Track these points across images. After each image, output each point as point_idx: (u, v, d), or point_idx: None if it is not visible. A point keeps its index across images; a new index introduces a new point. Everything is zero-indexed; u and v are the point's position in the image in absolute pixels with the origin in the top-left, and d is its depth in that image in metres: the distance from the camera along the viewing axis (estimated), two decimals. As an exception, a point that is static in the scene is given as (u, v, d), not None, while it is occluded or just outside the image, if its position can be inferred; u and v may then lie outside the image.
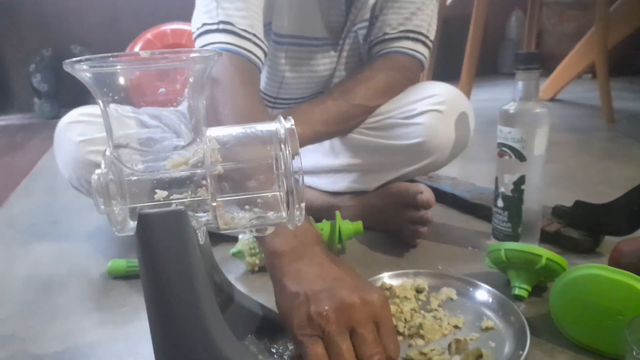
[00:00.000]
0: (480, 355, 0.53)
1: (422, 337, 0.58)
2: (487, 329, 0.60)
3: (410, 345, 0.58)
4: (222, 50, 0.74)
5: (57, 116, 0.88)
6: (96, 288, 0.79)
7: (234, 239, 0.83)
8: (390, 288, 0.67)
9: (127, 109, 0.41)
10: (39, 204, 1.22)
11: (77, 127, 0.85)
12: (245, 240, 0.79)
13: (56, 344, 0.64)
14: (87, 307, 0.74)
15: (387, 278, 0.69)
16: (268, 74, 0.92)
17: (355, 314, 0.48)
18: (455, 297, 0.67)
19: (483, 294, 0.67)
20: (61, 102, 2.48)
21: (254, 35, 0.77)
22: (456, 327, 0.61)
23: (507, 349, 0.56)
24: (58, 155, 0.90)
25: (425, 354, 0.54)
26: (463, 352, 0.54)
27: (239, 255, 0.79)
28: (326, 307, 0.47)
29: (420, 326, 0.60)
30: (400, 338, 0.59)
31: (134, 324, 0.68)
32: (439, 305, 0.65)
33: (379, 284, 0.69)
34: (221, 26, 0.75)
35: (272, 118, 0.75)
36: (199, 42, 0.78)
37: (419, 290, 0.68)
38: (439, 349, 0.55)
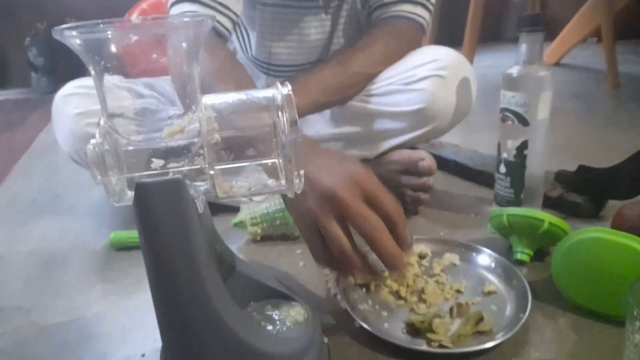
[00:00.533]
0: (481, 319, 0.53)
1: (424, 301, 0.59)
2: (489, 293, 0.60)
3: (412, 310, 0.58)
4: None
5: (54, 91, 0.87)
6: (99, 260, 0.79)
7: (235, 210, 0.83)
8: None
9: (121, 80, 0.40)
10: (39, 180, 1.22)
11: (74, 100, 0.85)
12: (247, 210, 0.79)
13: (62, 316, 0.65)
14: (91, 280, 0.74)
15: None
16: (257, 39, 0.90)
17: (338, 198, 0.49)
18: (458, 262, 0.67)
19: (486, 259, 0.67)
20: (58, 78, 2.44)
21: (220, 3, 0.77)
22: (458, 291, 0.61)
23: (509, 312, 0.56)
24: (56, 129, 0.90)
25: (425, 317, 0.54)
26: (464, 315, 0.54)
27: (240, 225, 0.79)
28: (309, 207, 0.50)
29: (423, 291, 0.60)
30: (401, 302, 0.59)
31: (137, 295, 0.68)
32: (441, 271, 0.65)
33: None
34: None
35: (244, 76, 0.76)
36: (171, 13, 0.78)
37: (421, 257, 0.68)
38: (439, 312, 0.56)
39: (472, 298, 0.60)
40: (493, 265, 0.65)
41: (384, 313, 0.58)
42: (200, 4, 0.76)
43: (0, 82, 2.58)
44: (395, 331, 0.55)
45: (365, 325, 0.54)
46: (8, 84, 2.60)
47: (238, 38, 0.97)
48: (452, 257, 0.68)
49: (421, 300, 0.59)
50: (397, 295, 0.60)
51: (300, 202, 0.51)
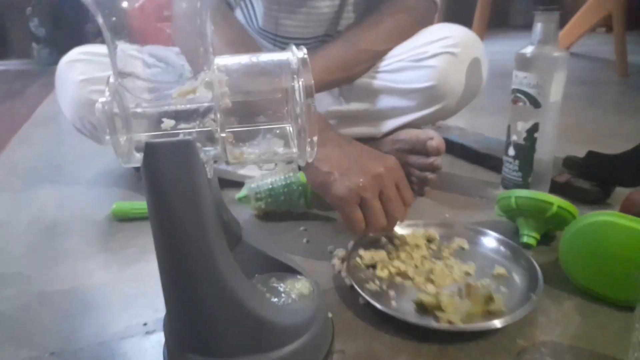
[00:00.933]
0: (491, 298, 0.53)
1: (433, 282, 0.58)
2: (498, 275, 0.60)
3: (420, 290, 0.57)
4: None
5: (56, 62, 0.85)
6: (101, 230, 0.79)
7: (239, 185, 0.82)
8: (401, 237, 0.66)
9: (132, 47, 0.39)
10: (41, 149, 1.21)
11: (78, 66, 0.83)
12: (251, 185, 0.78)
13: (63, 283, 0.64)
14: (92, 249, 0.73)
15: (397, 228, 0.68)
16: (264, 9, 0.88)
17: (383, 180, 0.59)
18: (466, 246, 0.66)
19: (494, 242, 0.66)
20: (60, 48, 2.41)
21: None
22: (467, 273, 0.60)
23: (519, 293, 0.56)
24: (60, 95, 0.88)
25: (435, 297, 0.53)
26: (474, 296, 0.54)
27: (245, 200, 0.79)
28: (361, 180, 0.58)
29: (431, 271, 0.59)
30: (409, 283, 0.58)
31: (139, 265, 0.68)
32: (450, 254, 0.64)
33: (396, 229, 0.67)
34: None
35: (256, 48, 0.76)
36: None
37: (429, 240, 0.67)
38: (449, 293, 0.55)
39: (481, 280, 0.59)
40: (502, 248, 0.64)
41: (391, 292, 0.57)
42: None
43: (1, 52, 2.55)
44: (403, 309, 0.54)
45: (371, 301, 0.53)
46: (9, 54, 2.57)
47: (242, 10, 0.95)
48: (460, 241, 0.67)
49: (429, 280, 0.58)
50: (405, 275, 0.60)
51: (340, 178, 0.60)
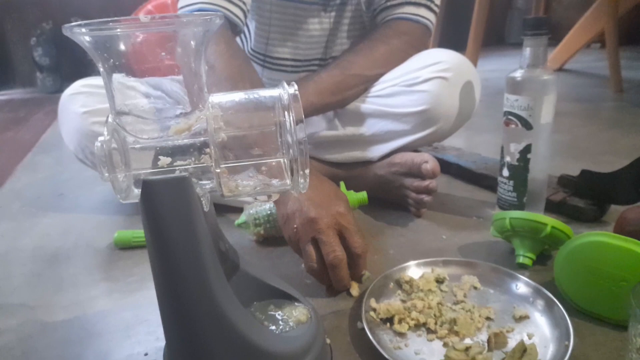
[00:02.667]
0: (525, 350, 0.49)
1: (457, 333, 0.55)
2: (520, 318, 0.57)
3: (445, 344, 0.53)
4: (200, 10, 0.76)
5: (60, 90, 0.88)
6: (103, 259, 0.80)
7: (238, 210, 0.83)
8: (409, 281, 0.63)
9: (128, 79, 0.40)
10: (44, 177, 1.23)
11: (80, 99, 0.85)
12: (250, 210, 0.79)
13: (65, 313, 0.65)
14: (94, 278, 0.74)
15: (406, 270, 0.66)
16: (255, 28, 0.91)
17: (317, 225, 0.61)
18: (479, 285, 0.63)
19: (506, 279, 0.63)
20: (63, 76, 2.46)
21: None
22: (488, 318, 0.57)
23: (550, 338, 0.53)
24: (62, 127, 0.90)
25: (466, 353, 0.50)
26: (504, 345, 0.52)
27: (243, 225, 0.80)
28: (295, 225, 0.63)
29: (454, 322, 0.55)
30: (432, 337, 0.55)
31: (141, 293, 0.69)
32: (464, 296, 0.61)
33: (403, 273, 0.65)
34: None
35: (258, 79, 0.78)
36: (179, 5, 0.79)
37: (439, 281, 0.65)
38: (478, 345, 0.51)
39: (505, 325, 0.56)
40: (516, 286, 0.61)
41: (417, 354, 0.52)
42: None
43: (6, 81, 2.59)
44: None
45: None
46: (14, 83, 2.62)
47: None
48: (471, 280, 0.64)
49: (453, 332, 0.55)
50: (426, 328, 0.56)
51: (288, 221, 0.65)
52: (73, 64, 2.27)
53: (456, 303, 0.60)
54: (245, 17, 0.81)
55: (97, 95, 0.85)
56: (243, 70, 0.76)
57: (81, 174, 1.16)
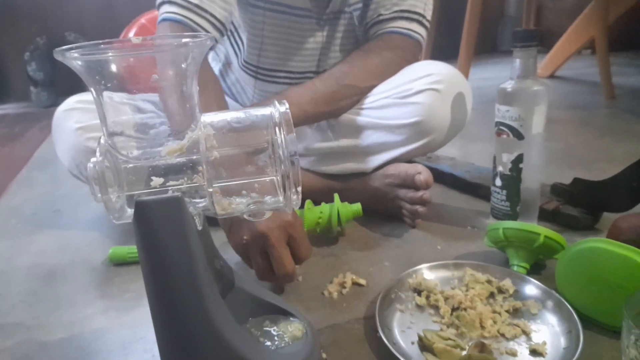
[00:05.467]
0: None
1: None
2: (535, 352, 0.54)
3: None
4: (165, 19, 0.77)
5: (54, 104, 0.88)
6: (99, 276, 0.80)
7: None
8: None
9: (121, 95, 0.41)
10: (39, 193, 1.22)
11: (74, 115, 0.86)
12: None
13: (62, 331, 0.65)
14: (91, 295, 0.74)
15: (425, 269, 0.68)
16: (248, 40, 0.91)
17: (268, 240, 0.63)
18: (536, 311, 0.60)
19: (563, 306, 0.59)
20: (58, 91, 2.46)
21: (196, 6, 0.78)
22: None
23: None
24: (57, 143, 0.90)
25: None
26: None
27: (239, 239, 0.80)
28: (244, 237, 0.64)
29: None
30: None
31: (137, 310, 0.68)
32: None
33: (417, 276, 0.66)
34: None
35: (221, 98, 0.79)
36: (159, 13, 0.80)
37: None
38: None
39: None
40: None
41: None
42: (178, 5, 0.77)
43: (0, 96, 2.59)
44: None
45: None
46: (8, 98, 2.62)
47: (232, 44, 0.97)
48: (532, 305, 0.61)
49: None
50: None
51: (234, 229, 0.67)
52: (67, 79, 2.25)
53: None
54: (219, 31, 0.81)
55: (92, 111, 0.85)
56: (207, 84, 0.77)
57: (76, 189, 1.16)
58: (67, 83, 2.38)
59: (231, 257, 0.80)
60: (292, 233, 0.65)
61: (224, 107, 0.80)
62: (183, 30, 0.77)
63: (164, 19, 0.78)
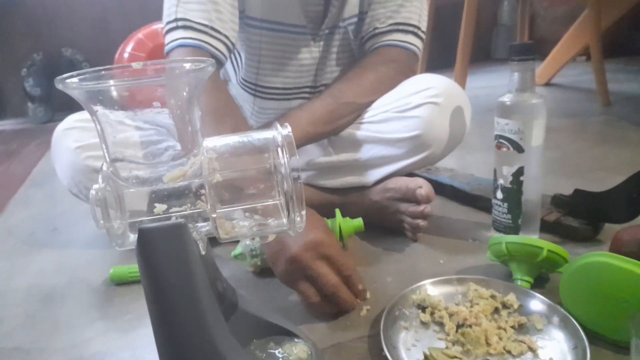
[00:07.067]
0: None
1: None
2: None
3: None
4: (181, 45, 0.77)
5: (51, 120, 0.88)
6: (99, 296, 0.79)
7: (234, 241, 0.83)
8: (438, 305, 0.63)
9: (120, 115, 0.40)
10: (37, 212, 1.22)
11: (73, 134, 0.85)
12: (246, 241, 0.79)
13: (61, 356, 0.64)
14: (91, 317, 0.73)
15: (429, 285, 0.67)
16: (246, 58, 0.92)
17: (301, 263, 0.62)
18: (541, 326, 0.60)
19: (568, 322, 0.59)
20: (55, 106, 2.46)
21: (211, 28, 0.78)
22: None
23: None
24: (56, 162, 0.90)
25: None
26: None
27: (240, 257, 0.79)
28: (281, 269, 0.64)
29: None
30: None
31: (138, 331, 0.68)
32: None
33: (420, 292, 0.66)
34: (180, 23, 0.77)
35: (242, 115, 0.79)
36: (165, 41, 0.80)
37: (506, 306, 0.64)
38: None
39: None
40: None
41: None
42: (193, 29, 0.77)
43: (-3, 112, 2.59)
44: None
45: None
46: (5, 114, 2.62)
47: (231, 62, 0.98)
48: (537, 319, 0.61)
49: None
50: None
51: (276, 262, 0.65)
52: (64, 95, 2.25)
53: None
54: (229, 50, 0.81)
55: (91, 130, 0.85)
56: (229, 104, 0.78)
57: (75, 207, 1.15)
58: (64, 99, 2.39)
59: (233, 272, 0.80)
60: (325, 251, 0.63)
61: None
62: (202, 55, 0.76)
63: (181, 45, 0.77)
